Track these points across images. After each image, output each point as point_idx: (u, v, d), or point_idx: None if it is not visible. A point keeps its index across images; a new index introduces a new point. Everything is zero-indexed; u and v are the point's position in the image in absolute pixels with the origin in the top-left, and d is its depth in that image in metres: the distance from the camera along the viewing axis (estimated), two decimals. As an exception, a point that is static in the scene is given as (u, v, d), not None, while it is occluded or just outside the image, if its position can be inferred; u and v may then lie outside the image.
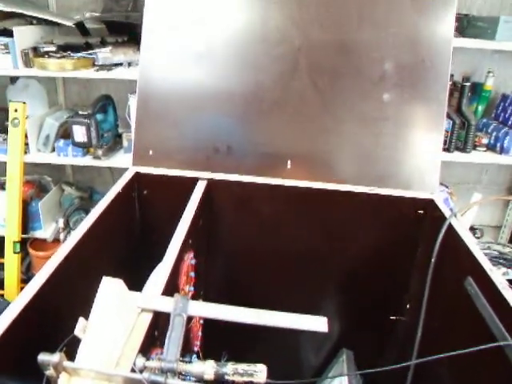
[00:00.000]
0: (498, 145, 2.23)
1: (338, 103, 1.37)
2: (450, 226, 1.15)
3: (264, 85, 1.38)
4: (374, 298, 1.42)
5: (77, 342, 0.70)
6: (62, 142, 2.32)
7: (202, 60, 1.40)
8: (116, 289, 0.79)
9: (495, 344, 0.82)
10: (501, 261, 2.19)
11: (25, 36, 2.17)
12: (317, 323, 0.79)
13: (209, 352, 0.92)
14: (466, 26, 2.15)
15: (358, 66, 1.35)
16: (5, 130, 2.31)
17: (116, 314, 0.76)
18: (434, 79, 1.34)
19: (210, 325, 1.21)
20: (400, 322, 1.45)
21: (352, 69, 1.35)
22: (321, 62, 1.36)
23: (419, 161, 1.36)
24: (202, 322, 1.22)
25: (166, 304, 0.80)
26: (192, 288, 1.15)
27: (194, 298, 1.12)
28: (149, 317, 0.80)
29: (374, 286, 1.41)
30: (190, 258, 1.13)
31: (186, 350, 1.12)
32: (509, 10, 2.37)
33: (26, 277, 2.54)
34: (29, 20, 2.28)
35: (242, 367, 0.69)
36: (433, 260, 1.15)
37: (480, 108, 2.42)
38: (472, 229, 2.63)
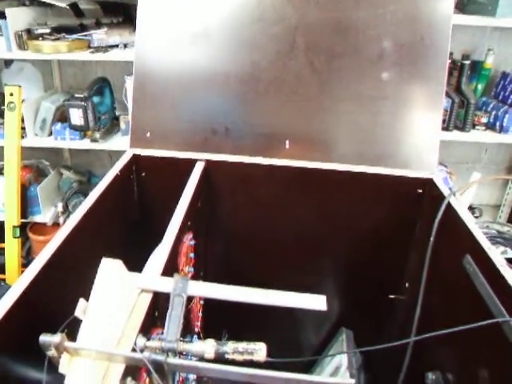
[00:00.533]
0: (498, 124, 2.21)
1: (334, 82, 1.35)
2: (449, 205, 1.15)
3: (260, 65, 1.37)
4: (372, 277, 1.43)
5: (78, 323, 0.71)
6: (59, 126, 2.30)
7: (198, 40, 1.38)
8: (115, 270, 0.79)
9: (493, 320, 0.83)
10: (499, 240, 2.19)
11: (18, 17, 2.12)
12: (316, 302, 0.80)
13: (209, 333, 0.92)
14: (466, 2, 2.12)
15: (355, 45, 1.33)
16: (1, 114, 2.29)
17: (116, 295, 0.76)
18: (433, 57, 1.32)
19: (210, 306, 1.22)
20: (399, 301, 1.46)
21: (349, 47, 1.34)
22: (317, 40, 1.34)
23: (418, 140, 1.35)
24: (202, 302, 1.23)
25: (166, 284, 0.81)
26: (192, 269, 1.15)
27: (194, 278, 1.13)
28: (149, 297, 0.80)
29: (372, 265, 1.42)
30: (189, 240, 1.13)
31: (187, 331, 1.13)
32: (509, -14, 2.33)
33: (27, 261, 2.54)
34: (21, 1, 2.25)
35: (242, 346, 0.69)
36: (431, 239, 1.15)
37: (480, 86, 2.39)
38: (471, 208, 2.63)
